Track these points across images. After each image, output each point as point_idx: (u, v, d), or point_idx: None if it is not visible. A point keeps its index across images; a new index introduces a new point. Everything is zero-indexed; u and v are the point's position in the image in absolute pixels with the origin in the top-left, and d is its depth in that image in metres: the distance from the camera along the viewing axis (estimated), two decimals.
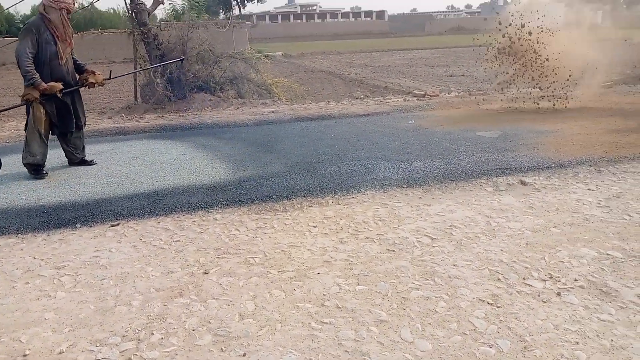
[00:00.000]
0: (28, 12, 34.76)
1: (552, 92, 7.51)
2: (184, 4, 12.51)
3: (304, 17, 73.14)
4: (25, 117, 4.89)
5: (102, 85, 5.21)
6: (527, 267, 2.80)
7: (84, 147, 5.18)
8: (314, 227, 3.44)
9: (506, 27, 7.72)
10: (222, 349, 2.17)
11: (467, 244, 3.13)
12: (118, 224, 3.59)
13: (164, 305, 2.54)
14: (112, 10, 38.72)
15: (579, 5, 8.99)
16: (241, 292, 2.64)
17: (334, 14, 77.69)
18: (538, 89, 7.88)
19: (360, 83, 13.61)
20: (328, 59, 23.26)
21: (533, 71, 7.63)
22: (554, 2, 8.76)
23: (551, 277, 2.69)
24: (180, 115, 7.77)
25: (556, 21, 7.60)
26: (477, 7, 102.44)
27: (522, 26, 7.53)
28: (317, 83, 14.12)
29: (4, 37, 24.54)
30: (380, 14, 74.90)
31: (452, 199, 3.92)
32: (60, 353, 2.17)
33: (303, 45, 34.86)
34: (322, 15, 76.86)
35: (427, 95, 9.44)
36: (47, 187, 4.47)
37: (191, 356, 2.13)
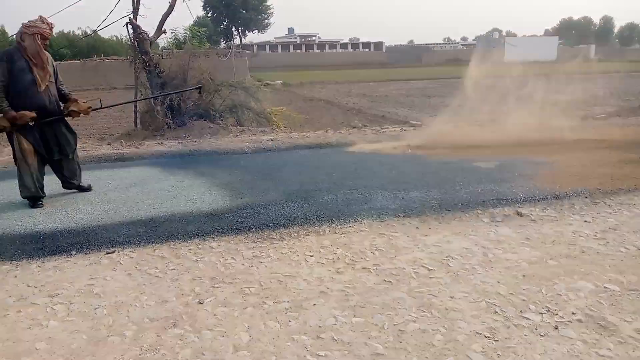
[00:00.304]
0: None
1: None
2: (185, 33, 12.73)
3: (303, 47, 74.36)
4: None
5: (87, 114, 4.93)
6: (524, 300, 2.79)
7: (80, 173, 5.08)
8: (311, 256, 3.43)
9: None
10: None
11: (464, 275, 3.12)
12: (114, 252, 3.57)
13: (158, 335, 2.50)
14: (114, 38, 39.31)
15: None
16: (236, 323, 2.61)
17: (332, 44, 79.02)
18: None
19: (358, 112, 13.75)
20: (327, 89, 23.55)
21: None
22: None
23: (549, 311, 2.67)
24: (179, 142, 7.82)
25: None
26: (473, 39, 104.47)
27: None
28: (316, 112, 14.26)
29: None
30: (378, 45, 76.25)
31: (449, 230, 3.91)
32: None
33: (302, 74, 35.32)
34: (321, 45, 78.16)
35: (424, 125, 9.53)
36: (43, 213, 4.46)
37: None
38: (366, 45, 78.94)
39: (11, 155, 7.09)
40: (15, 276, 3.23)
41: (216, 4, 58.33)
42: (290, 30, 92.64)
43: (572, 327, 2.52)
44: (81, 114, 4.83)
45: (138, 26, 9.21)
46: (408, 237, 3.78)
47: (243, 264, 3.32)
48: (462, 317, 2.63)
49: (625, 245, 3.53)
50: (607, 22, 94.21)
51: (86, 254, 3.56)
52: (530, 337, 2.43)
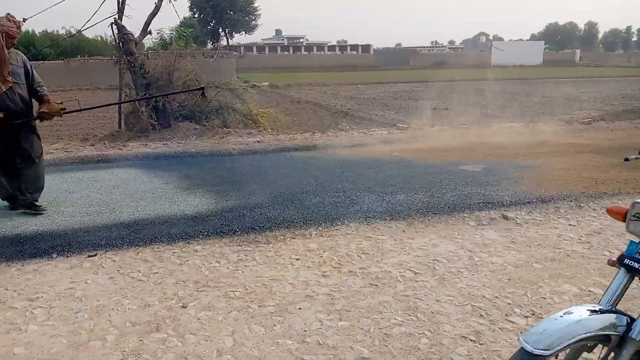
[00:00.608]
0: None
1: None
2: (172, 33, 12.62)
3: (291, 49, 74.29)
4: None
5: (59, 116, 4.50)
6: (509, 304, 2.79)
7: (41, 188, 4.55)
8: (297, 259, 3.40)
9: None
10: None
11: (450, 279, 3.11)
12: (96, 255, 3.51)
13: (140, 340, 2.46)
14: (99, 38, 38.86)
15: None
16: (220, 327, 2.57)
17: (320, 46, 79.09)
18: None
19: (345, 114, 13.74)
20: (314, 90, 23.52)
21: None
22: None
23: (533, 314, 2.68)
24: (164, 144, 7.74)
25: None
26: (460, 43, 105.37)
27: None
28: (303, 114, 14.21)
29: None
30: (366, 48, 76.46)
31: (435, 233, 3.91)
32: None
33: (290, 76, 35.26)
34: (309, 47, 78.16)
35: (411, 128, 9.56)
36: (23, 214, 4.36)
37: None
38: (354, 47, 79.12)
39: None
40: None
41: (203, 4, 58.01)
42: (278, 31, 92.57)
43: None
44: (54, 117, 4.45)
45: (123, 26, 9.10)
46: (394, 240, 3.77)
47: (228, 268, 3.27)
48: (448, 320, 2.62)
49: (609, 248, 3.56)
50: (591, 27, 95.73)
51: (67, 257, 3.49)
52: (515, 340, 2.43)
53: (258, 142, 7.88)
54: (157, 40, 12.84)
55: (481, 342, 2.42)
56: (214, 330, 2.53)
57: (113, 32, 9.16)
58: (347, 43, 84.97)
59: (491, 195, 4.84)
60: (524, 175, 5.63)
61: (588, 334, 1.42)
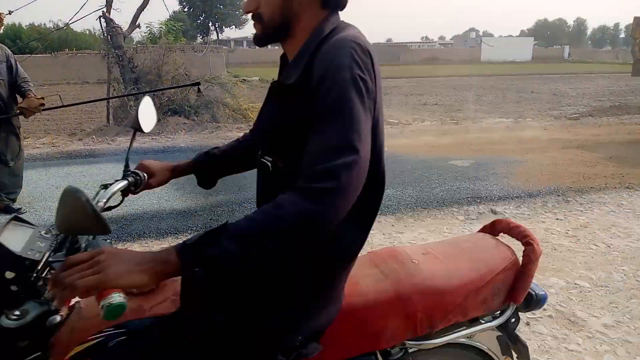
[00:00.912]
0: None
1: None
2: (161, 27, 12.51)
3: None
4: None
5: (39, 112, 4.15)
6: None
7: (15, 190, 4.19)
8: None
9: None
10: None
11: None
12: None
13: None
14: (87, 32, 38.44)
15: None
16: None
17: None
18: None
19: None
20: None
21: None
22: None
23: None
24: (152, 139, 7.68)
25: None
26: (450, 39, 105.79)
27: None
28: None
29: None
30: None
31: (424, 227, 3.93)
32: None
33: None
34: None
35: (401, 123, 9.59)
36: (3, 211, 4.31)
37: None
38: None
39: None
40: None
41: None
42: None
43: (543, 322, 2.55)
44: (35, 112, 4.08)
45: (111, 20, 9.02)
46: (384, 234, 3.78)
47: None
48: None
49: (595, 242, 3.60)
50: (580, 24, 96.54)
51: None
52: None
53: None
54: (147, 34, 12.74)
55: None
56: None
57: (101, 25, 9.07)
58: None
59: (480, 190, 4.87)
60: (513, 170, 5.67)
61: None
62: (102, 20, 8.92)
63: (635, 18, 7.84)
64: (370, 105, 0.91)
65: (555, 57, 62.94)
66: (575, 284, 2.97)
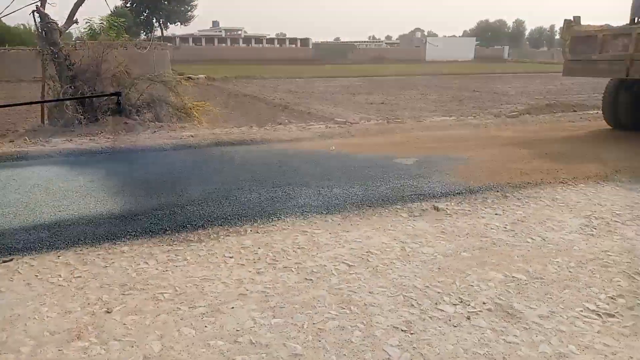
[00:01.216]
0: None
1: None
2: (102, 23, 12.01)
3: (228, 41, 72.96)
4: None
5: None
6: (439, 292, 2.86)
7: None
8: (230, 257, 3.32)
9: None
10: None
11: (383, 270, 3.15)
12: (11, 260, 3.26)
13: (59, 350, 2.31)
14: (22, 26, 36.37)
15: None
16: (147, 331, 2.46)
17: (259, 39, 78.25)
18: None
19: (284, 108, 13.66)
20: (252, 84, 23.23)
21: None
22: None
23: (461, 302, 2.76)
24: (91, 139, 7.35)
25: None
26: (396, 39, 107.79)
27: None
28: (241, 107, 14.00)
29: None
30: (305, 42, 76.53)
31: (369, 225, 3.96)
32: None
33: (227, 68, 34.65)
34: (247, 40, 77.15)
35: (348, 122, 9.65)
36: None
37: None
38: (293, 41, 78.95)
39: None
40: None
41: None
42: (215, 23, 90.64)
43: (483, 316, 2.62)
44: None
45: (46, 15, 8.55)
46: (330, 234, 3.78)
47: (157, 269, 3.15)
48: (380, 312, 2.65)
49: (531, 236, 3.74)
50: (519, 25, 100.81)
51: None
52: (444, 328, 2.50)
53: (192, 136, 7.66)
54: (87, 30, 12.21)
55: (412, 332, 2.47)
56: (140, 335, 2.42)
57: (35, 20, 8.58)
58: (286, 36, 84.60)
59: (423, 187, 4.96)
60: (455, 167, 5.82)
61: None
62: (36, 14, 8.44)
63: (565, 21, 8.25)
64: None
65: (496, 57, 65.50)
66: (513, 277, 3.07)
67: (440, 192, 4.79)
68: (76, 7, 9.43)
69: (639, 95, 8.33)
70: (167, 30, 63.72)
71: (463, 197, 4.70)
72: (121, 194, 4.68)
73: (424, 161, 6.12)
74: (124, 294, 2.82)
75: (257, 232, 3.80)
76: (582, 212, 4.26)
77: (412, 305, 2.73)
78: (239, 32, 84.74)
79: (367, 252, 3.42)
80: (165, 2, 58.01)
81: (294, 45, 75.70)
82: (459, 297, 2.81)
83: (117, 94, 4.69)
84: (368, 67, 40.47)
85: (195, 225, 3.89)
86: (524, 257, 3.35)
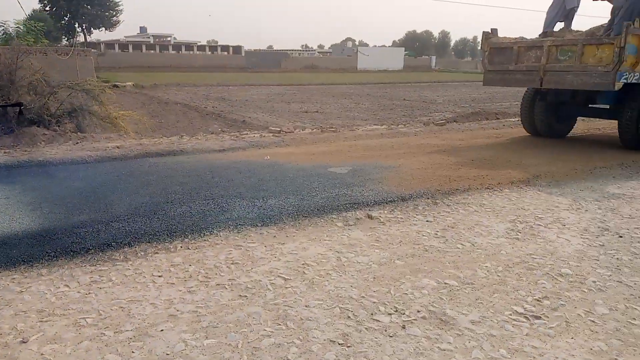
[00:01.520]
0: None
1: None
2: (18, 27, 11.26)
3: (157, 47, 70.87)
4: None
5: None
6: (374, 302, 2.88)
7: None
8: (159, 276, 3.16)
9: None
10: None
11: (319, 282, 3.13)
12: None
13: None
14: None
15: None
16: None
17: (189, 46, 76.62)
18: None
19: (217, 117, 13.41)
20: (183, 91, 22.64)
21: None
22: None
23: (397, 311, 2.79)
24: (5, 153, 6.81)
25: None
26: (329, 48, 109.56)
27: None
28: (171, 116, 13.58)
29: None
30: (237, 49, 75.84)
31: (305, 236, 3.93)
32: None
33: (156, 76, 33.58)
34: (177, 46, 75.30)
35: (283, 131, 9.61)
36: None
37: None
38: (225, 48, 78.00)
39: None
40: None
41: None
42: (143, 29, 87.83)
43: (418, 324, 2.65)
44: None
45: None
46: (265, 246, 3.71)
47: (79, 292, 2.93)
48: (317, 326, 2.62)
49: (461, 241, 3.87)
50: (444, 36, 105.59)
51: None
52: (380, 338, 2.51)
53: (118, 147, 7.29)
54: (0, 34, 11.41)
55: (349, 345, 2.45)
56: None
57: None
58: (218, 43, 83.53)
59: (357, 196, 5.01)
60: (387, 175, 5.93)
61: None
62: None
63: (484, 33, 8.72)
64: None
65: (423, 66, 68.15)
66: (445, 283, 3.15)
67: (374, 201, 4.85)
68: None
69: (553, 104, 8.94)
70: (91, 35, 60.93)
71: (395, 204, 4.79)
72: (39, 212, 4.35)
73: (357, 170, 6.20)
74: (41, 321, 2.60)
75: (188, 248, 3.65)
76: (507, 217, 4.47)
77: (349, 317, 2.71)
78: (169, 39, 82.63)
79: (303, 264, 3.38)
80: (88, 7, 55.46)
81: (226, 53, 74.81)
82: (394, 306, 2.83)
83: (19, 104, 4.26)
84: (302, 75, 40.74)
85: (120, 243, 3.67)
86: (455, 263, 3.45)
